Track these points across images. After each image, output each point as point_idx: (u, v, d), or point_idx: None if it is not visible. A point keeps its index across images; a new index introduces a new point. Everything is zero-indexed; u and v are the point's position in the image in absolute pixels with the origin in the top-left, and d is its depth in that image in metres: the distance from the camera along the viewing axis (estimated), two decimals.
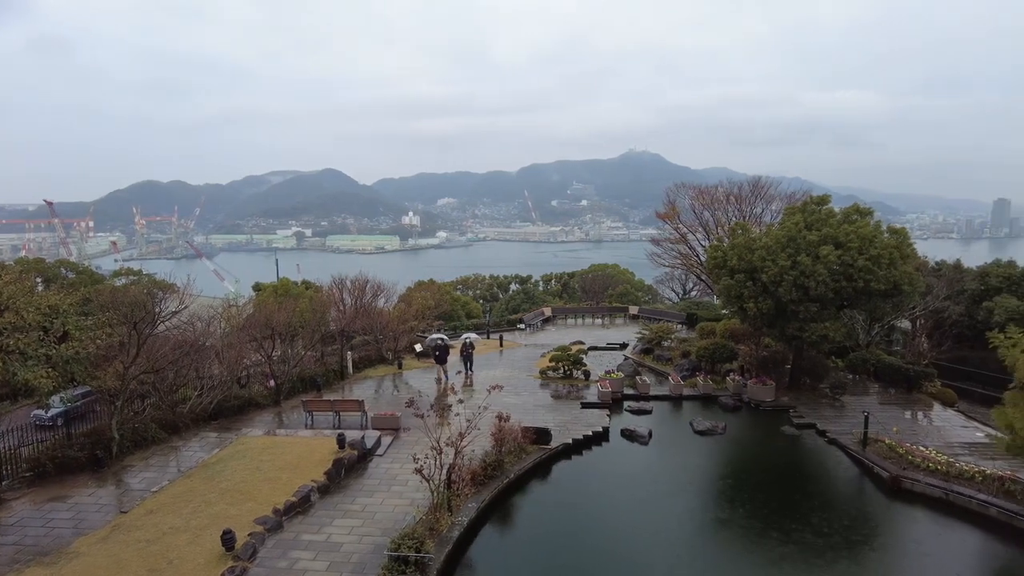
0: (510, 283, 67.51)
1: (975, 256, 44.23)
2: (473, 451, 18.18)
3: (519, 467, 19.40)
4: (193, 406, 22.90)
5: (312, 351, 30.15)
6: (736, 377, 27.84)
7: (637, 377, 28.66)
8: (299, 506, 16.29)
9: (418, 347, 33.81)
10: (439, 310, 41.90)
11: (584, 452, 21.81)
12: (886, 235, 25.31)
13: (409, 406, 17.04)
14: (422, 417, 16.64)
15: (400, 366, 32.10)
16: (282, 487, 16.96)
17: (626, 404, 26.39)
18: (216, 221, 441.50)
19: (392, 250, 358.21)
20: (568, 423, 23.47)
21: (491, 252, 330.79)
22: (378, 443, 20.64)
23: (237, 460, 18.95)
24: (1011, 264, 31.55)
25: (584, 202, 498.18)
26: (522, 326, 44.06)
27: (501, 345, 37.65)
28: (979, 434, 22.30)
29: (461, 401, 17.89)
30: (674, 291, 60.49)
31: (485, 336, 40.26)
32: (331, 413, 23.14)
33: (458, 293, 58.45)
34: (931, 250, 49.96)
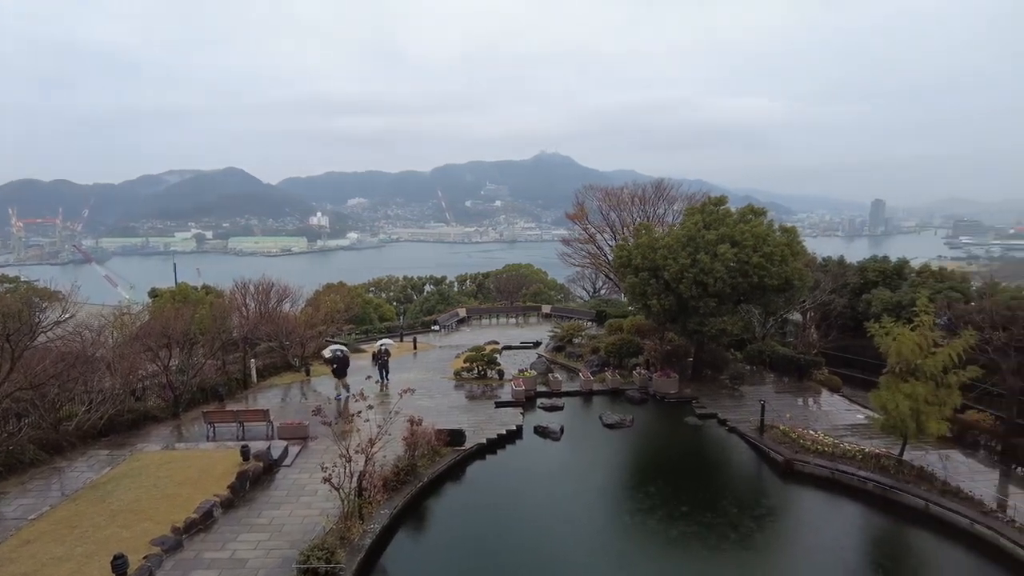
0: (424, 284, 66.92)
1: (856, 252, 47.87)
2: (385, 457, 17.93)
3: (433, 470, 19.29)
4: (80, 423, 21.24)
5: (213, 359, 28.71)
6: (642, 371, 28.87)
7: (550, 375, 29.15)
8: (200, 523, 15.48)
9: (326, 352, 32.61)
10: (350, 313, 41.01)
11: (498, 451, 21.96)
12: (778, 234, 26.91)
13: (316, 414, 16.57)
14: (330, 425, 16.24)
15: (308, 373, 31.12)
16: (182, 504, 16.07)
17: (539, 401, 26.79)
18: (108, 223, 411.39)
19: (299, 252, 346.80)
20: (482, 423, 23.55)
21: (405, 253, 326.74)
22: (285, 453, 19.93)
23: (131, 478, 17.76)
24: (885, 259, 34.35)
25: (498, 203, 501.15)
26: (436, 327, 43.81)
27: (415, 347, 37.29)
28: (860, 416, 24.20)
29: (371, 407, 17.54)
30: (585, 289, 61.89)
31: (399, 339, 39.73)
32: (235, 424, 22.16)
33: (370, 295, 57.37)
34: (819, 247, 53.78)
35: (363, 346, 37.51)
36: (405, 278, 68.31)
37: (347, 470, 15.49)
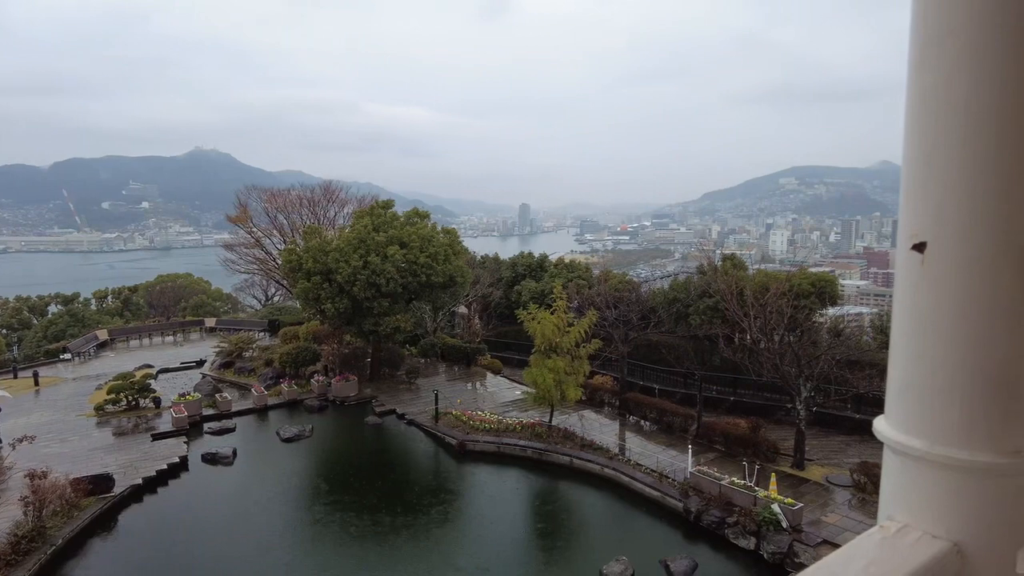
0: (48, 305, 55.24)
1: (509, 250, 54.15)
2: None
3: (70, 529, 16.06)
4: None
5: None
6: (321, 378, 28.31)
7: (217, 395, 26.67)
8: None
9: None
10: None
11: (159, 490, 19.33)
12: (441, 235, 28.96)
13: None
14: None
15: None
16: None
17: (206, 426, 24.34)
18: None
19: None
20: (136, 461, 20.43)
21: (18, 267, 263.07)
22: None
23: None
24: (531, 255, 39.62)
25: (146, 204, 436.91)
26: (68, 356, 36.45)
27: (37, 384, 30.48)
28: (518, 392, 27.51)
29: None
30: (256, 298, 58.11)
31: (11, 375, 32.05)
32: None
33: None
34: (478, 246, 59.52)
35: None
36: (19, 298, 55.44)
37: None
